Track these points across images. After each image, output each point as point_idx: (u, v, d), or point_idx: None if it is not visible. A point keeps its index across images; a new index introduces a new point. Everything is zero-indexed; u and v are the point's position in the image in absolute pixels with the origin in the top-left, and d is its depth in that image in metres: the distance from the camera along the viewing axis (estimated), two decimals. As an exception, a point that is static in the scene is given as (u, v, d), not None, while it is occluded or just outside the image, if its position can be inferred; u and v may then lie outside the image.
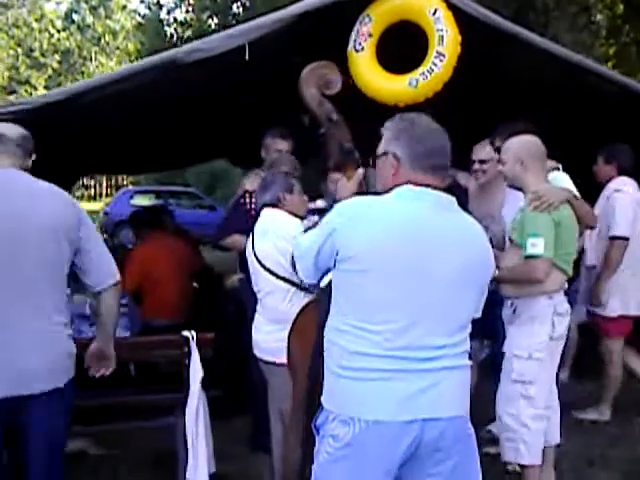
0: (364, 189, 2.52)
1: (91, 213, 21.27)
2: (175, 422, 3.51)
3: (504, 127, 3.63)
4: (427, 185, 1.94)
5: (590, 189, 4.16)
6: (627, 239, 4.39)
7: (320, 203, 3.64)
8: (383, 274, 1.88)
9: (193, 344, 3.41)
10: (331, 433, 1.91)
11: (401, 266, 1.88)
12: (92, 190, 36.88)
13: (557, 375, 3.45)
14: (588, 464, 3.87)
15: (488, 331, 3.52)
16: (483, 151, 3.99)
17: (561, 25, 9.61)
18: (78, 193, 35.32)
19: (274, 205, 3.27)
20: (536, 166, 3.27)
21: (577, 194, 3.49)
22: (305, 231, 2.27)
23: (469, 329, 2.00)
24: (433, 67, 3.90)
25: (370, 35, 4.02)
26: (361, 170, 2.50)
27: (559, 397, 3.44)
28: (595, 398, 4.70)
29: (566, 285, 3.35)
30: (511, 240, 3.28)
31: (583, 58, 4.17)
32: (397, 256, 1.88)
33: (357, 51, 4.06)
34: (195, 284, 5.41)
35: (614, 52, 11.65)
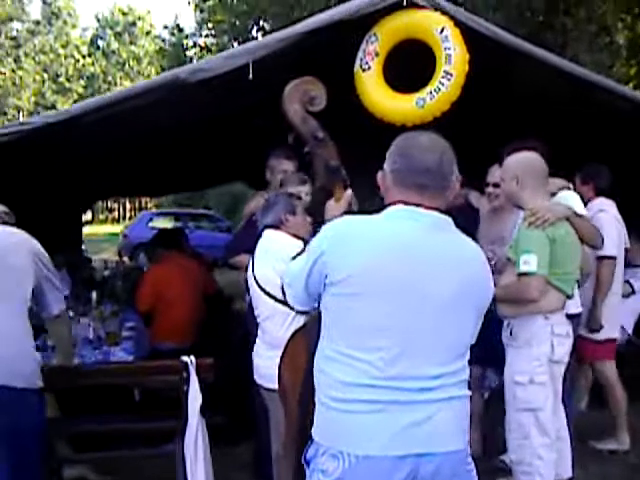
0: (354, 209, 2.43)
1: (111, 235, 21.51)
2: (174, 449, 3.41)
3: (513, 147, 3.54)
4: (418, 205, 1.84)
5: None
6: (615, 258, 4.31)
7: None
8: (374, 297, 1.78)
9: (192, 369, 3.32)
10: (321, 467, 1.81)
11: (393, 289, 1.78)
12: (115, 213, 37.29)
13: (565, 403, 3.31)
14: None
15: (493, 358, 3.40)
16: (496, 174, 3.90)
17: (580, 46, 9.51)
18: (102, 216, 35.77)
19: (276, 227, 3.21)
20: (533, 183, 3.18)
21: (583, 212, 3.39)
22: (294, 257, 2.17)
23: (467, 356, 1.89)
24: (440, 86, 3.82)
25: (377, 54, 3.96)
26: (350, 191, 2.40)
27: (574, 427, 3.29)
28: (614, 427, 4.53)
29: (567, 306, 3.22)
30: (509, 259, 3.17)
31: (593, 74, 4.05)
32: (389, 278, 1.78)
33: (364, 70, 4.00)
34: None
35: (635, 72, 11.49)
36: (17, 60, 34.25)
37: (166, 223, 15.89)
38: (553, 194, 3.54)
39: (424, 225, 1.84)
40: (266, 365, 3.06)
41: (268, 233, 3.19)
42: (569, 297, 3.24)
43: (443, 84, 3.82)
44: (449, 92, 3.82)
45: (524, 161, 3.23)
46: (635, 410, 4.62)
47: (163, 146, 5.12)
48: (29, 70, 34.44)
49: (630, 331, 5.29)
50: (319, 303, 1.93)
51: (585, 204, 4.32)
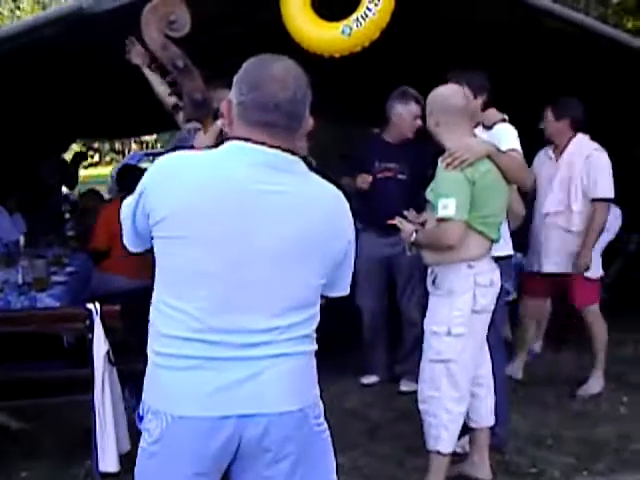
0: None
1: (100, 177, 21.30)
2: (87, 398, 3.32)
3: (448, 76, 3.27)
4: (262, 143, 1.61)
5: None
6: (611, 200, 4.11)
7: None
8: (194, 242, 1.58)
9: (96, 317, 3.20)
10: (146, 426, 1.66)
11: (216, 234, 1.58)
12: (120, 155, 37.11)
13: (491, 352, 3.15)
14: (536, 445, 3.56)
15: None
16: None
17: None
18: (108, 158, 35.65)
19: None
20: (448, 120, 2.93)
21: (516, 147, 3.15)
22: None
23: (312, 309, 1.68)
24: (367, 12, 3.55)
25: (303, -24, 3.67)
26: (219, 122, 2.18)
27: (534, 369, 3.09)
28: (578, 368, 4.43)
29: (491, 252, 3.03)
30: (428, 202, 2.97)
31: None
32: (212, 222, 1.58)
33: (288, -4, 3.72)
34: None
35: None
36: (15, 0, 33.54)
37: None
38: (489, 127, 3.30)
39: (262, 164, 1.61)
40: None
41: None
42: (494, 241, 3.04)
43: (370, 9, 3.55)
44: (377, 18, 3.55)
45: (437, 97, 2.98)
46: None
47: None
48: (27, 10, 33.74)
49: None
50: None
51: (564, 142, 4.08)
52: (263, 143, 1.61)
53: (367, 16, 3.55)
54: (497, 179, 2.98)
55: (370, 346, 4.51)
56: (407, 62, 4.53)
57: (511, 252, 3.52)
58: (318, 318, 1.70)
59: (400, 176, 4.17)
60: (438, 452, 2.95)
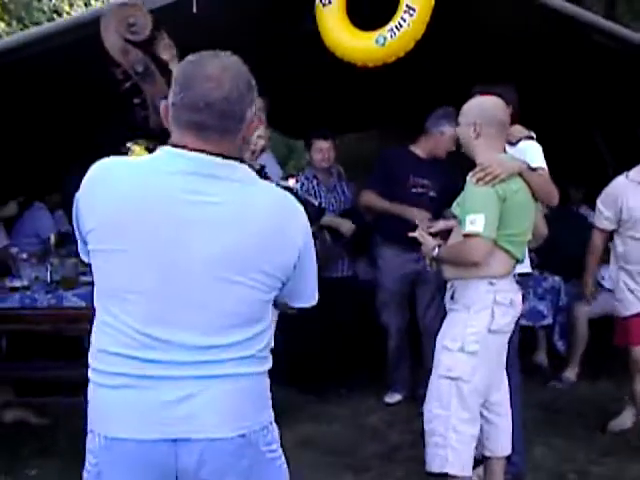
0: None
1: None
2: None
3: (478, 90, 3.16)
4: (194, 147, 1.49)
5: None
6: None
7: (291, 183, 3.31)
8: (120, 255, 1.48)
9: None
10: (88, 446, 1.56)
11: (144, 247, 1.47)
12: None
13: (510, 376, 3.01)
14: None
15: None
16: None
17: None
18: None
19: None
20: (491, 133, 2.83)
21: (543, 166, 3.02)
22: None
23: (259, 327, 1.55)
24: (402, 23, 3.47)
25: (338, -14, 3.62)
26: None
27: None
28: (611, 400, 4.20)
29: (516, 270, 2.90)
30: (455, 217, 2.86)
31: (584, 11, 3.58)
32: (140, 234, 1.47)
33: (324, 5, 3.67)
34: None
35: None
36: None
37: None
38: (513, 144, 3.18)
39: (192, 172, 1.48)
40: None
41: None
42: (518, 261, 2.91)
43: (405, 20, 3.46)
44: (411, 30, 3.47)
45: (484, 107, 2.87)
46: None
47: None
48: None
49: None
50: None
51: None
52: (195, 148, 1.49)
53: (401, 26, 3.48)
54: (527, 198, 2.87)
55: (394, 364, 4.41)
56: (438, 75, 4.42)
57: (529, 270, 3.37)
58: (268, 337, 1.58)
59: (432, 193, 4.10)
60: (446, 475, 2.82)
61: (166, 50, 3.05)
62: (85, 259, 1.63)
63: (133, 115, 2.00)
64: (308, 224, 1.69)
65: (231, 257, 1.49)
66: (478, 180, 2.73)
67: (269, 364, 1.61)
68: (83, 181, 1.54)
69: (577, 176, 5.19)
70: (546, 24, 3.55)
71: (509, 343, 2.97)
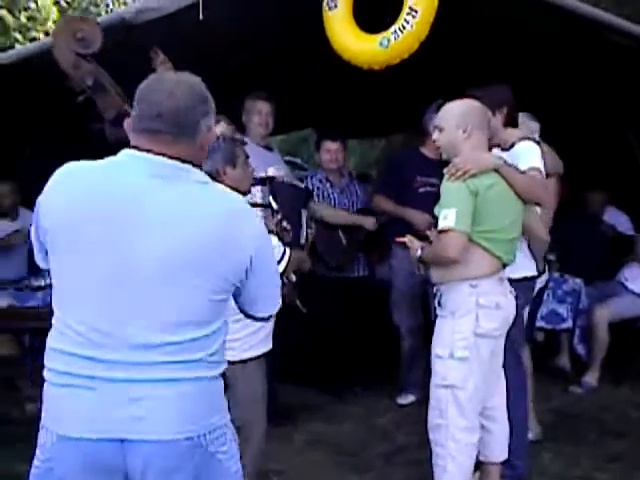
0: None
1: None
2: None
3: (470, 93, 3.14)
4: (148, 150, 1.58)
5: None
6: None
7: (272, 171, 3.32)
8: (74, 256, 1.55)
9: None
10: (40, 442, 1.62)
11: (95, 247, 1.54)
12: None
13: (507, 380, 2.98)
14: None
15: None
16: None
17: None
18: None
19: (212, 177, 3.03)
20: (479, 135, 2.85)
21: (537, 166, 2.98)
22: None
23: (209, 329, 1.59)
24: (405, 24, 3.45)
25: (344, -10, 3.63)
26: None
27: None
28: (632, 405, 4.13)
29: (502, 273, 2.86)
30: (436, 217, 2.86)
31: (593, 9, 3.49)
32: (91, 234, 1.53)
33: (330, 9, 3.69)
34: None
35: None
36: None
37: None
38: (506, 149, 3.14)
39: (147, 174, 1.57)
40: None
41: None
42: (505, 263, 2.87)
43: (408, 22, 3.44)
44: (415, 31, 3.44)
45: (474, 110, 2.88)
46: None
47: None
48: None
49: None
50: None
51: None
52: (148, 149, 1.58)
53: (405, 28, 3.46)
54: (503, 194, 2.83)
55: (408, 365, 4.40)
56: (442, 75, 4.38)
57: (532, 273, 3.29)
58: (218, 342, 1.62)
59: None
60: None
61: (162, 65, 3.15)
62: (41, 265, 1.72)
63: (89, 127, 2.07)
64: (262, 229, 1.76)
65: (181, 257, 1.54)
66: (450, 176, 2.74)
67: (220, 369, 1.65)
68: (47, 185, 1.63)
69: (599, 179, 5.08)
70: (557, 23, 3.48)
71: (507, 345, 2.94)
